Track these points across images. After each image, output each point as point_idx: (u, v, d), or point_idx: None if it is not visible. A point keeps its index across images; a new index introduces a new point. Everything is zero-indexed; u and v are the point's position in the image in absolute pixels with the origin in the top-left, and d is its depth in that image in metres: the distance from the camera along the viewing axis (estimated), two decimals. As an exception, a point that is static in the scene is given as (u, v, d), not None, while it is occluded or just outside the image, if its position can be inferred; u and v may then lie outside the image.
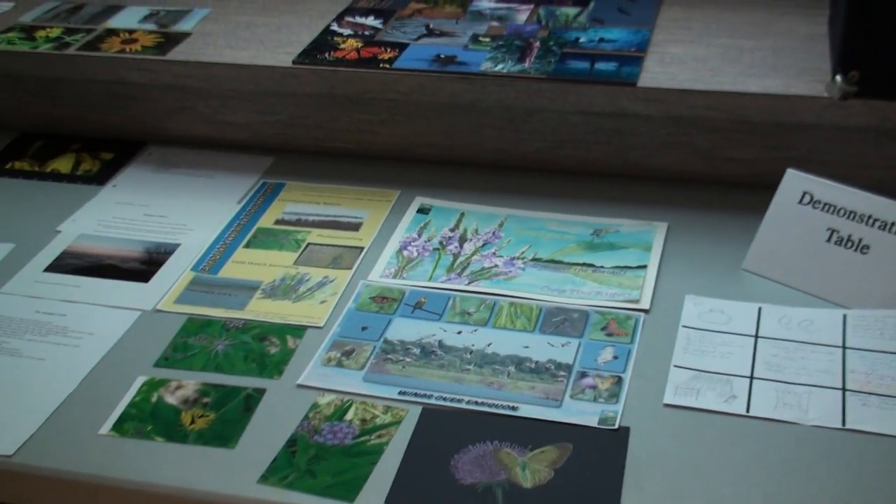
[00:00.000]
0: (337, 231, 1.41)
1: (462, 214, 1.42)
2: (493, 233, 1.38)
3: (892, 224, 1.21)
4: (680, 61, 1.45)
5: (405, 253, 1.35)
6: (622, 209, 1.41)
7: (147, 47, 1.59)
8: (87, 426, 1.11)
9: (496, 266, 1.32)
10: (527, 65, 1.46)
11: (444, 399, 1.12)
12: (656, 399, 1.10)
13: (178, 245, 1.39)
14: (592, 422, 1.08)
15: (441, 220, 1.41)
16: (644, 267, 1.30)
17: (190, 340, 1.22)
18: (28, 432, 1.10)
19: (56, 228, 1.44)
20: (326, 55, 1.52)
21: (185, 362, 1.19)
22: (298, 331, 1.23)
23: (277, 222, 1.43)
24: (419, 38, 1.56)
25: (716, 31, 1.53)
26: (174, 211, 1.47)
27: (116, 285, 1.32)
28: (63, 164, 1.59)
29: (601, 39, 1.52)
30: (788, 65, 1.42)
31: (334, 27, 1.61)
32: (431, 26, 1.60)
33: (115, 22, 1.69)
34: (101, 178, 1.56)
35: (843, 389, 1.10)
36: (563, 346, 1.18)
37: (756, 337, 1.18)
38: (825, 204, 1.25)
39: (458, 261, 1.33)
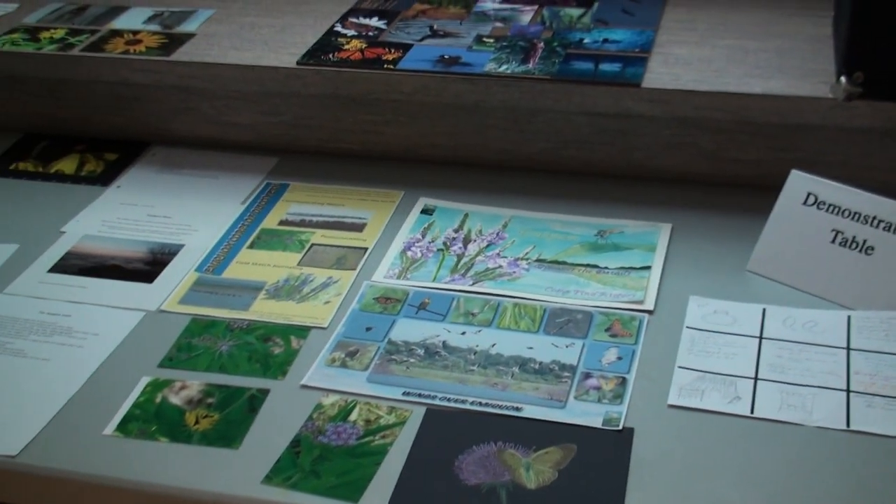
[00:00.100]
0: (341, 232, 1.41)
1: (466, 215, 1.42)
2: (497, 233, 1.38)
3: (897, 225, 1.21)
4: (684, 62, 1.45)
5: (409, 254, 1.35)
6: (626, 210, 1.41)
7: (151, 48, 1.59)
8: (91, 427, 1.11)
9: (500, 267, 1.32)
10: (531, 66, 1.46)
11: (448, 400, 1.12)
12: (660, 400, 1.10)
13: (182, 246, 1.39)
14: (596, 423, 1.08)
15: (445, 220, 1.41)
16: (648, 268, 1.30)
17: (194, 341, 1.22)
18: (32, 433, 1.10)
19: (60, 229, 1.44)
20: (330, 56, 1.52)
21: (189, 363, 1.19)
22: (302, 331, 1.23)
23: (281, 223, 1.43)
24: (423, 38, 1.56)
25: (720, 33, 1.53)
26: (178, 212, 1.47)
27: (120, 286, 1.32)
28: (67, 165, 1.60)
29: (605, 40, 1.52)
30: (793, 66, 1.42)
31: (338, 28, 1.61)
32: (435, 27, 1.60)
33: (119, 23, 1.69)
34: (105, 178, 1.56)
35: (848, 391, 1.10)
36: (567, 346, 1.18)
37: (760, 338, 1.18)
38: (830, 205, 1.25)
39: (462, 261, 1.33)
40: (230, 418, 1.11)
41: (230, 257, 1.36)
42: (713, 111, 1.38)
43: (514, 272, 1.31)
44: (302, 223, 1.43)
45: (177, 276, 1.33)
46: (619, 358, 1.16)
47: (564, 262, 1.32)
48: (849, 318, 1.20)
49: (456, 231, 1.39)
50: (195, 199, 1.49)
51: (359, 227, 1.41)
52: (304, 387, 1.15)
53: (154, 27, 1.66)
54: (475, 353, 1.18)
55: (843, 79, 1.32)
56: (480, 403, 1.11)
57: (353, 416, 1.10)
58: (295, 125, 1.57)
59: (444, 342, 1.20)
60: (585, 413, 1.09)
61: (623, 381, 1.13)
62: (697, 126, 1.42)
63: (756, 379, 1.12)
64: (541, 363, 1.16)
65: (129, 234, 1.42)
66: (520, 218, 1.41)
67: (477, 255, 1.34)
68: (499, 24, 1.60)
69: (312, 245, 1.38)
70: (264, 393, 1.14)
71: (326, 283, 1.31)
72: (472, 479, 1.02)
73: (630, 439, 1.06)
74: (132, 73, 1.57)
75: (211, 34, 1.62)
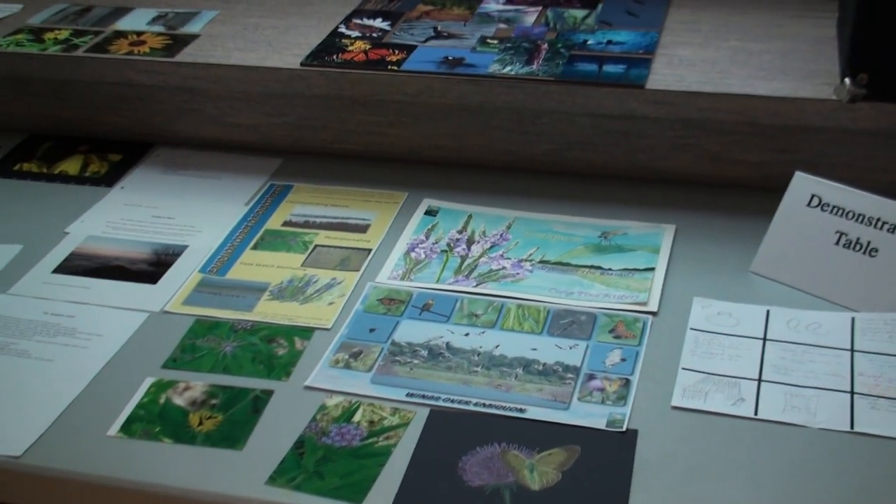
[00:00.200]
0: (345, 233, 1.41)
1: (470, 216, 1.42)
2: (501, 235, 1.38)
3: (901, 227, 1.21)
4: (688, 64, 1.45)
5: (413, 255, 1.35)
6: (630, 211, 1.41)
7: (155, 49, 1.59)
8: (95, 427, 1.11)
9: (504, 268, 1.32)
10: (535, 67, 1.46)
11: (452, 401, 1.12)
12: (664, 401, 1.10)
13: (186, 247, 1.39)
14: (600, 424, 1.08)
15: (449, 221, 1.42)
16: (652, 269, 1.30)
17: (198, 342, 1.22)
18: (36, 433, 1.10)
19: (64, 230, 1.44)
20: (334, 57, 1.52)
21: (193, 364, 1.19)
22: (306, 332, 1.23)
23: (285, 224, 1.43)
24: (427, 40, 1.56)
25: (724, 34, 1.53)
26: (182, 212, 1.47)
27: (124, 287, 1.32)
28: (71, 166, 1.60)
29: (609, 42, 1.52)
30: (797, 67, 1.42)
31: (342, 29, 1.61)
32: (439, 28, 1.60)
33: (123, 24, 1.69)
34: (109, 179, 1.56)
35: (852, 392, 1.10)
36: (570, 348, 1.18)
37: (764, 340, 1.18)
38: (833, 207, 1.25)
39: (465, 263, 1.33)
40: (234, 419, 1.11)
41: (234, 258, 1.36)
42: (717, 113, 1.38)
43: (518, 273, 1.31)
44: (306, 224, 1.43)
45: (181, 277, 1.33)
46: (623, 359, 1.16)
47: (568, 264, 1.32)
48: (853, 319, 1.20)
49: (460, 232, 1.39)
50: (199, 200, 1.50)
51: (362, 229, 1.41)
52: (308, 388, 1.15)
53: (158, 28, 1.66)
54: (479, 355, 1.18)
55: (847, 80, 1.32)
56: (484, 405, 1.11)
57: (357, 418, 1.10)
58: (299, 126, 1.57)
59: (447, 343, 1.20)
60: (589, 414, 1.09)
61: (627, 383, 1.13)
62: (701, 128, 1.42)
63: (760, 380, 1.12)
64: (544, 364, 1.16)
65: (133, 235, 1.42)
66: (524, 219, 1.41)
67: (481, 256, 1.34)
68: (503, 26, 1.60)
69: (316, 246, 1.38)
70: (268, 394, 1.14)
71: (330, 284, 1.31)
72: (475, 480, 1.02)
73: (634, 441, 1.06)
74: (136, 74, 1.57)
75: (215, 35, 1.63)
